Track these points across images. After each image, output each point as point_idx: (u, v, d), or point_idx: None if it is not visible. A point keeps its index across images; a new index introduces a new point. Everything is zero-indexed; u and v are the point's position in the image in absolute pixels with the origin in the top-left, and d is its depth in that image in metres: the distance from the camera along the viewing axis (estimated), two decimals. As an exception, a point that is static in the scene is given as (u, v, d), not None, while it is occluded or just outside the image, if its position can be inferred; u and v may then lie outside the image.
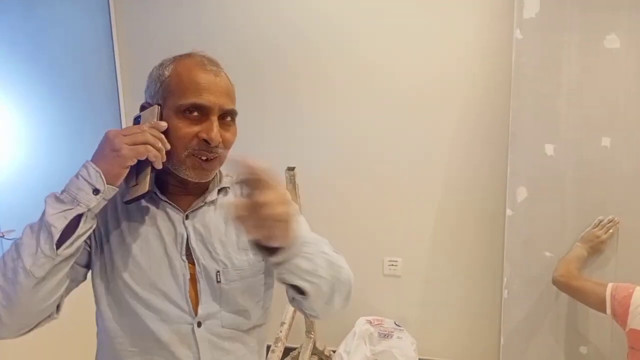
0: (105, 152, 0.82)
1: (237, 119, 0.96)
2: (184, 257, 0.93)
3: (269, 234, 0.70)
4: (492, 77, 2.25)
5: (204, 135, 0.88)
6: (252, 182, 0.69)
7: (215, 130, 0.88)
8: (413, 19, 2.28)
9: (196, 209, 0.96)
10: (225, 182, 1.03)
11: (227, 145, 0.93)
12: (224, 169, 1.04)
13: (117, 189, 0.84)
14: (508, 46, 2.08)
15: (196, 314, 0.92)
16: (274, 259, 0.75)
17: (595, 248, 1.87)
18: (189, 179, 0.92)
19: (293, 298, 0.89)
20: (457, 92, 2.30)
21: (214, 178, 1.00)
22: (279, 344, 1.96)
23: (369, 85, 2.38)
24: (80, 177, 0.81)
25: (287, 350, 2.38)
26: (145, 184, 0.86)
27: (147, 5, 2.53)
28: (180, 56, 0.94)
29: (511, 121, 1.95)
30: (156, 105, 0.90)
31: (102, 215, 0.93)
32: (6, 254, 0.81)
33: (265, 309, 1.02)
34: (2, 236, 1.68)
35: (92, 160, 0.82)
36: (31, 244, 0.79)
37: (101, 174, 0.80)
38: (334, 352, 2.36)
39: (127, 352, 0.93)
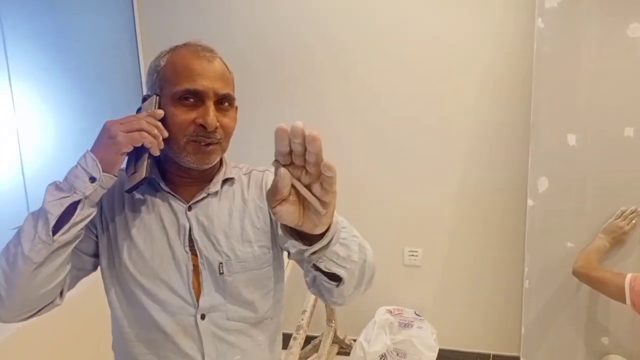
0: (102, 141, 0.84)
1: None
2: (187, 249, 0.93)
3: (316, 220, 0.62)
4: (513, 66, 2.23)
5: (200, 121, 0.88)
6: (315, 157, 0.58)
7: (211, 115, 0.88)
8: (433, 8, 2.28)
9: (199, 200, 0.96)
10: (231, 173, 1.01)
11: (226, 131, 0.93)
12: (229, 159, 1.04)
13: (115, 177, 0.85)
14: (529, 35, 2.06)
15: (199, 305, 0.92)
16: (315, 247, 0.69)
17: (618, 239, 1.85)
18: (191, 166, 0.92)
19: (314, 282, 0.86)
20: (478, 82, 2.29)
21: (218, 169, 1.00)
22: (301, 332, 2.00)
23: (389, 75, 2.38)
24: (78, 166, 0.82)
25: (308, 339, 2.42)
26: (143, 170, 0.87)
27: (170, 2, 2.57)
28: (176, 46, 0.95)
29: (532, 111, 1.94)
30: (154, 96, 0.92)
31: (109, 206, 0.95)
32: (11, 240, 0.83)
33: (275, 303, 1.01)
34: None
35: (90, 149, 0.84)
36: (30, 230, 0.80)
37: (97, 162, 0.81)
38: (355, 341, 2.39)
39: (134, 343, 0.94)
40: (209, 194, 0.97)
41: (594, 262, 1.78)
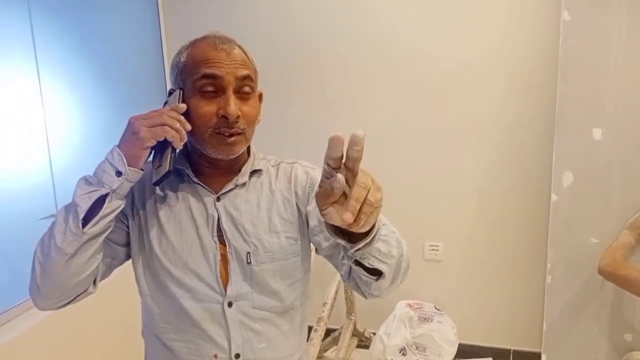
0: (127, 136, 0.87)
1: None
2: (215, 238, 0.96)
3: (365, 221, 0.64)
4: (538, 59, 2.20)
5: (222, 112, 0.90)
6: (354, 163, 0.62)
7: (232, 105, 0.89)
8: (458, 0, 2.26)
9: (227, 191, 0.98)
10: (259, 164, 1.03)
11: (248, 119, 0.94)
12: (258, 151, 1.05)
13: (141, 171, 0.87)
14: (556, 28, 2.03)
15: (226, 293, 0.95)
16: (359, 244, 0.71)
17: (644, 235, 1.82)
18: (215, 157, 0.94)
19: (349, 276, 0.88)
20: (503, 74, 2.27)
21: (245, 160, 1.02)
22: (322, 324, 2.02)
23: (411, 68, 2.37)
24: (106, 160, 0.86)
25: (328, 332, 2.44)
26: (167, 163, 0.90)
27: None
28: (195, 40, 0.96)
29: (558, 104, 1.91)
30: (178, 90, 0.94)
31: (141, 197, 0.99)
32: (45, 232, 0.87)
33: (301, 293, 1.03)
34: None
35: (117, 144, 0.87)
36: (62, 223, 0.84)
37: (123, 156, 0.85)
38: (374, 334, 2.40)
39: (163, 328, 0.97)
40: (237, 185, 0.99)
41: (619, 260, 1.75)
